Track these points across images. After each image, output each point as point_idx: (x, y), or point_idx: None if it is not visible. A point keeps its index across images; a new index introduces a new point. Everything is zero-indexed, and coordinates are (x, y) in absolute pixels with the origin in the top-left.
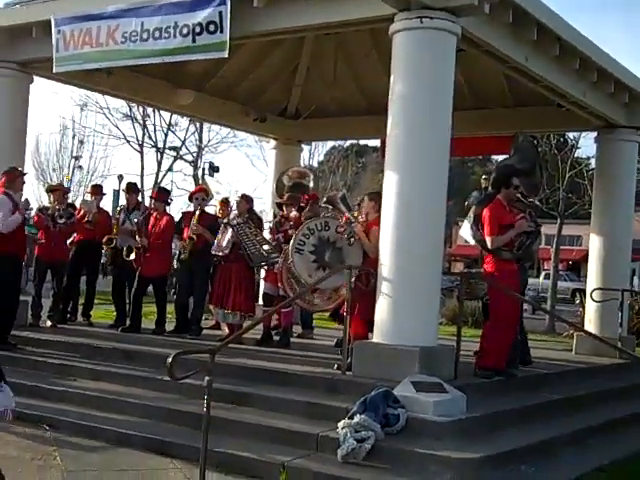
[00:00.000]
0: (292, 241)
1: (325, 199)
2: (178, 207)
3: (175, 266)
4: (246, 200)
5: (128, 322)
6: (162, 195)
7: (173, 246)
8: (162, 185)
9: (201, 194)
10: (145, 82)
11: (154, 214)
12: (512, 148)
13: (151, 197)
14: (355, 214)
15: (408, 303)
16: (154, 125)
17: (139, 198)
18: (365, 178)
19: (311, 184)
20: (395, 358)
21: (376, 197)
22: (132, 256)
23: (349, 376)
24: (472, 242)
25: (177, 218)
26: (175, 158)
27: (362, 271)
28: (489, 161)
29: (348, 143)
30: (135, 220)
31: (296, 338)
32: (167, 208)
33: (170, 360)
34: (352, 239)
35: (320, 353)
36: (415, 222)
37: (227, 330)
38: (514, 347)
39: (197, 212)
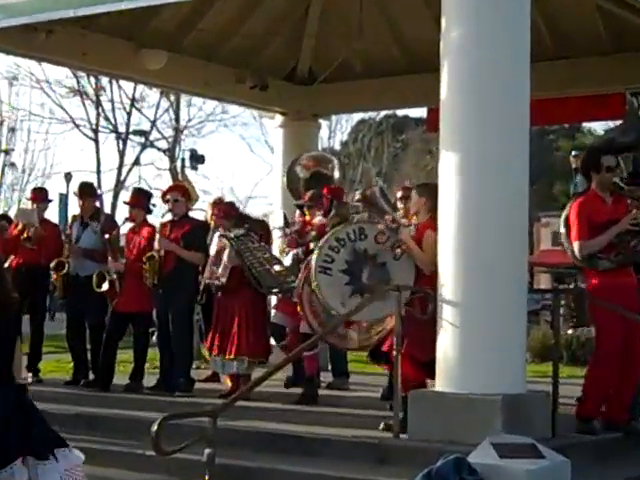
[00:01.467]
0: (315, 257)
1: (358, 196)
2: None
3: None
4: (222, 209)
5: (92, 375)
6: (140, 198)
7: None
8: (127, 184)
9: (174, 194)
10: (98, 42)
11: (132, 227)
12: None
13: (126, 203)
14: (399, 215)
15: (483, 334)
16: (112, 102)
17: (97, 204)
18: (406, 162)
19: (336, 174)
20: (468, 412)
21: (427, 190)
22: (105, 286)
23: (403, 440)
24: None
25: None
26: (143, 146)
27: (416, 293)
28: (578, 131)
29: (382, 115)
30: (93, 234)
31: (326, 389)
32: (147, 218)
33: (156, 427)
34: (399, 250)
35: (360, 409)
36: (488, 223)
37: (229, 383)
38: (635, 391)
39: (166, 219)
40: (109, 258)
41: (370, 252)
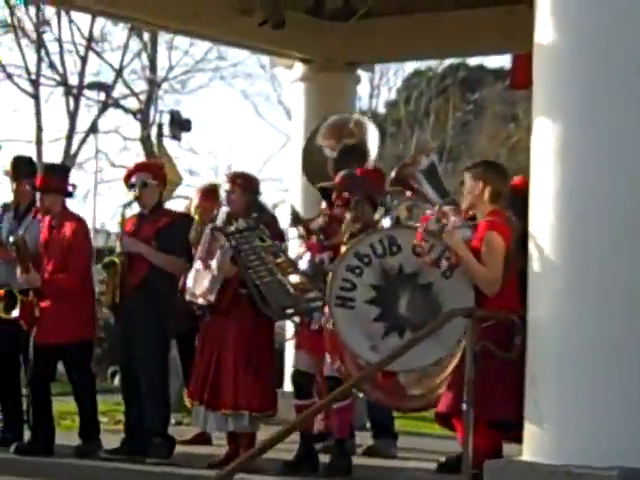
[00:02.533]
0: (328, 285)
1: (393, 174)
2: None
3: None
4: (243, 185)
5: (27, 435)
6: (52, 178)
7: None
8: (80, 160)
9: (141, 175)
10: None
11: (45, 220)
12: None
13: (34, 188)
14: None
15: (595, 382)
16: (59, 42)
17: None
18: (481, 133)
19: (372, 150)
20: None
21: (488, 172)
22: (15, 312)
23: None
24: None
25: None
26: (104, 106)
27: (492, 320)
28: None
29: (446, 65)
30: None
31: (363, 457)
32: (67, 206)
33: None
34: (445, 263)
35: None
36: (607, 223)
37: (227, 446)
38: None
39: (131, 210)
40: (17, 270)
41: (407, 270)
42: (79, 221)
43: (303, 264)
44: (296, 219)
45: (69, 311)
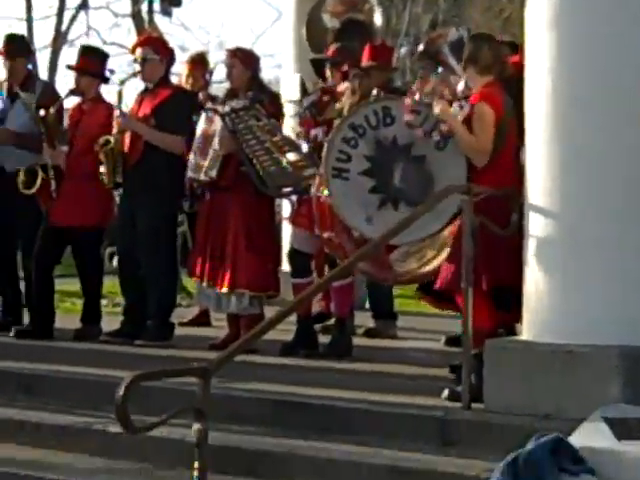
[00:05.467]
0: (324, 156)
1: (421, 47)
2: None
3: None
4: (243, 60)
5: (27, 319)
6: (91, 61)
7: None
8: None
9: (145, 49)
10: None
11: (78, 103)
12: None
13: (71, 68)
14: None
15: (594, 259)
16: None
17: (29, 66)
18: (473, 6)
19: (376, 19)
20: (570, 371)
21: (482, 42)
22: (34, 187)
23: (477, 412)
24: None
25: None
26: None
27: (488, 197)
28: None
29: None
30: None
31: (363, 337)
32: (101, 91)
33: (122, 392)
34: (436, 134)
35: (414, 367)
36: (606, 95)
37: (227, 328)
38: None
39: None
40: (44, 145)
41: (401, 142)
42: (110, 108)
43: (304, 148)
44: (304, 92)
45: (85, 195)
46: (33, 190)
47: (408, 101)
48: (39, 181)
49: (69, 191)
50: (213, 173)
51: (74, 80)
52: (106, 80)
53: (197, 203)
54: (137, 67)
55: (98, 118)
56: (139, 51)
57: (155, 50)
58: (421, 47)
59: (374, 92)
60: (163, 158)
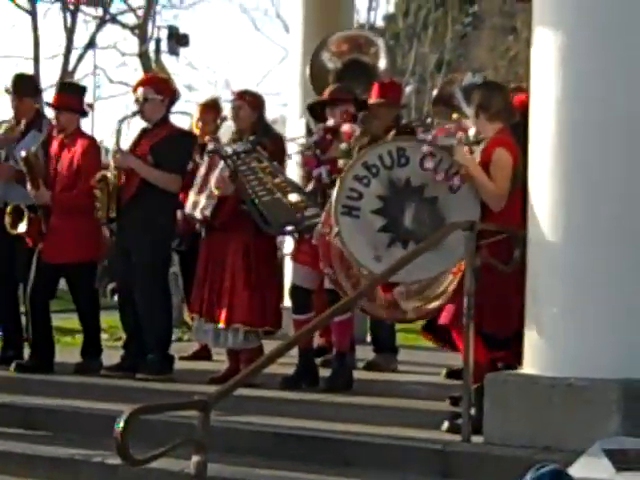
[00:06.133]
0: (335, 193)
1: (435, 93)
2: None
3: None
4: (250, 102)
5: (27, 354)
6: (69, 97)
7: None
8: (78, 77)
9: (147, 89)
10: None
11: (58, 138)
12: None
13: (50, 105)
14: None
15: (596, 294)
16: None
17: (36, 104)
18: (479, 46)
19: (381, 62)
20: (571, 405)
21: (493, 92)
22: (22, 227)
23: (477, 445)
24: None
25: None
26: (102, 21)
27: (490, 235)
28: None
29: None
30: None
31: (364, 370)
32: (81, 126)
33: (122, 425)
34: (456, 179)
35: (414, 400)
36: (611, 136)
37: (228, 361)
38: None
39: (128, 126)
40: (28, 185)
41: (414, 183)
42: (91, 140)
43: (310, 187)
44: (310, 133)
45: (75, 230)
46: (20, 230)
47: (427, 148)
48: (25, 220)
49: (57, 227)
50: (207, 212)
51: (54, 117)
52: (85, 114)
53: (187, 241)
54: (136, 106)
55: (79, 150)
56: (140, 91)
57: (157, 90)
58: (435, 92)
59: (389, 137)
60: (158, 196)
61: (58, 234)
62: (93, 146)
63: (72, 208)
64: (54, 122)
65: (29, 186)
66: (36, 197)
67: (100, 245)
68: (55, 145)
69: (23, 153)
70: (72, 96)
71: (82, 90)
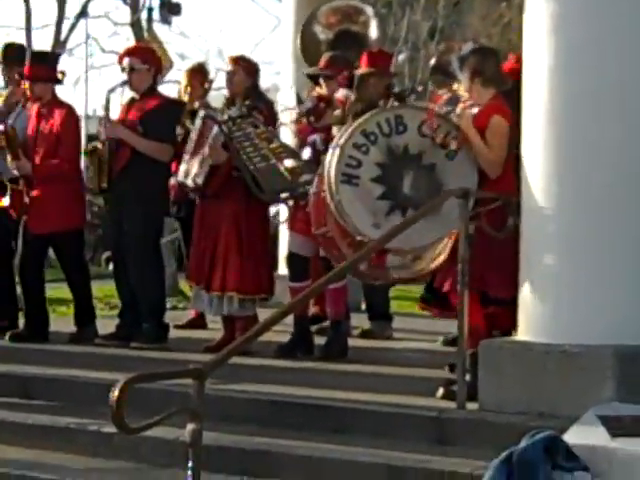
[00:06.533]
0: (334, 160)
1: (433, 62)
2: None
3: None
4: (245, 68)
5: (22, 323)
6: (41, 67)
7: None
8: (70, 46)
9: (133, 59)
10: None
11: (34, 108)
12: None
13: (22, 77)
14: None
15: (589, 261)
16: None
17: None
18: (472, 13)
19: (372, 31)
20: (565, 371)
21: (487, 57)
22: (5, 200)
23: (472, 411)
24: None
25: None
26: None
27: (487, 203)
28: None
29: None
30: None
31: (359, 338)
32: (57, 93)
33: (117, 394)
34: (454, 145)
35: (409, 368)
36: (606, 104)
37: (223, 330)
38: None
39: (121, 95)
40: (8, 158)
41: (412, 150)
42: (69, 108)
43: (307, 153)
44: (299, 102)
45: (59, 199)
46: (4, 202)
47: (429, 112)
48: (8, 193)
49: (40, 197)
50: (200, 180)
51: (28, 87)
52: (59, 82)
53: (185, 208)
54: (125, 76)
55: (57, 120)
56: (126, 60)
57: (143, 60)
58: (433, 61)
59: (381, 103)
60: (149, 166)
61: (41, 204)
62: (71, 114)
63: (54, 177)
64: (28, 93)
65: (9, 158)
66: (18, 168)
67: (84, 213)
68: (33, 115)
69: (1, 127)
70: (44, 66)
71: (54, 58)
